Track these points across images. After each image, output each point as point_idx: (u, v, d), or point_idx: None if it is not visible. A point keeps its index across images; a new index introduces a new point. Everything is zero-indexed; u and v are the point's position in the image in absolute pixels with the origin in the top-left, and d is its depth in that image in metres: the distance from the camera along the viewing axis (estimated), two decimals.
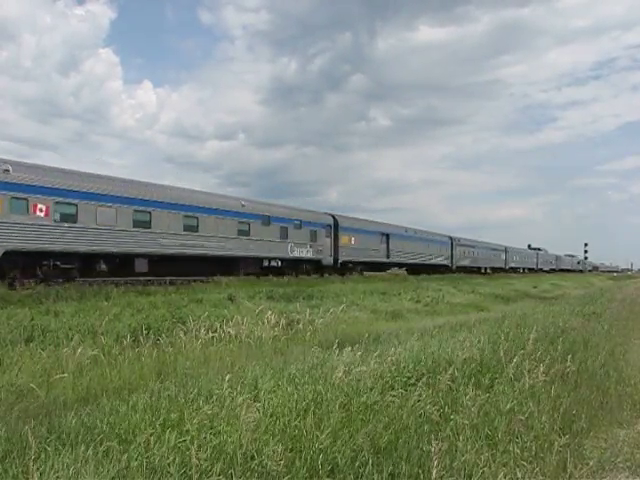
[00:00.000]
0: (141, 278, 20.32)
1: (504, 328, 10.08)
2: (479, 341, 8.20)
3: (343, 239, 33.46)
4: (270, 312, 12.31)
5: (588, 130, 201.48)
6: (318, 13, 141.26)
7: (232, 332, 10.60)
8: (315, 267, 31.92)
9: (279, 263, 29.52)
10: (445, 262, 48.52)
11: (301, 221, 30.46)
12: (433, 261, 46.04)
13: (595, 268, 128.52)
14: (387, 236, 38.68)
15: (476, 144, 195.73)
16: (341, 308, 14.46)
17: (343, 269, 33.50)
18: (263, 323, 11.59)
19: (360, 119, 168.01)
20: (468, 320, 14.03)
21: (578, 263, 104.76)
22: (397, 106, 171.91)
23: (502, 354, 7.13)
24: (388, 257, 38.60)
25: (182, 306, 13.86)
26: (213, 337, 10.09)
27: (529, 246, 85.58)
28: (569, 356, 7.17)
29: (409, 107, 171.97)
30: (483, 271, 57.28)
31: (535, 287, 41.58)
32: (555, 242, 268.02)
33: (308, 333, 11.74)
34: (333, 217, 33.65)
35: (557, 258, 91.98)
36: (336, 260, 32.77)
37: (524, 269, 73.06)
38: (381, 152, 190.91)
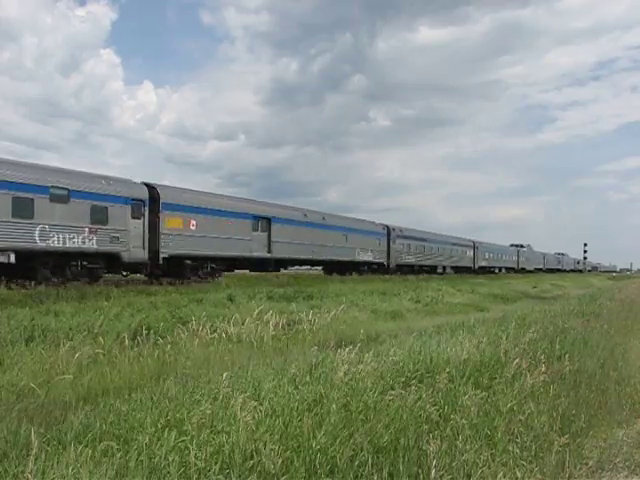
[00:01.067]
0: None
1: (503, 328, 10.09)
2: (478, 341, 8.21)
3: (170, 221, 21.28)
4: (270, 312, 12.32)
5: (588, 130, 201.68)
6: (319, 14, 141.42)
7: (232, 332, 10.62)
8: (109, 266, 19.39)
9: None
10: (378, 259, 37.71)
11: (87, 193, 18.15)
12: (358, 258, 35.13)
13: (594, 268, 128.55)
14: (268, 221, 26.75)
15: (476, 144, 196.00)
16: (341, 308, 14.47)
17: (175, 271, 21.52)
18: (263, 323, 11.60)
19: (360, 119, 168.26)
20: (467, 320, 14.03)
21: (578, 263, 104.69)
22: (397, 106, 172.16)
23: (501, 354, 7.15)
24: (270, 252, 26.64)
25: (182, 306, 13.88)
26: (213, 337, 10.10)
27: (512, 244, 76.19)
28: (568, 356, 7.19)
29: (409, 107, 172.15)
30: (441, 271, 47.66)
31: (535, 287, 41.61)
32: (555, 242, 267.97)
33: (308, 333, 11.75)
34: (148, 187, 21.02)
35: (544, 257, 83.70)
36: (155, 253, 20.46)
37: (501, 269, 64.51)
38: (381, 152, 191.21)
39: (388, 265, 38.63)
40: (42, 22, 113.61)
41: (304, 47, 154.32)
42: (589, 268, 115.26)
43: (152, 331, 10.16)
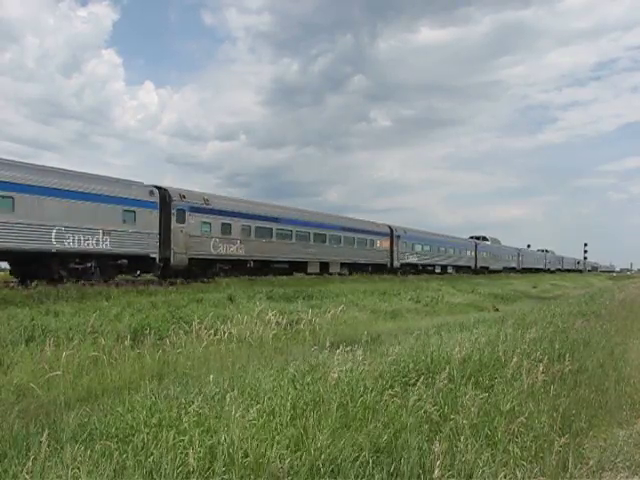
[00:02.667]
0: None
1: (503, 328, 10.09)
2: (478, 341, 8.20)
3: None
4: (270, 312, 12.31)
5: (588, 131, 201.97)
6: (320, 15, 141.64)
7: (232, 332, 10.61)
8: None
9: None
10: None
11: None
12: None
13: (594, 268, 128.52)
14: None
15: (476, 144, 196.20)
16: (340, 308, 14.46)
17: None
18: (263, 323, 11.59)
19: (361, 120, 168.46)
20: (467, 320, 14.03)
21: (578, 263, 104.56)
22: (398, 107, 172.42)
23: (501, 354, 7.14)
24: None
25: (182, 306, 13.87)
26: (213, 337, 10.09)
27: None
28: (568, 356, 7.18)
29: (410, 108, 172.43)
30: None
31: (535, 287, 41.62)
32: (555, 242, 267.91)
33: (308, 333, 11.75)
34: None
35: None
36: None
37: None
38: (381, 153, 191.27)
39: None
40: (44, 23, 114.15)
41: (305, 47, 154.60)
42: (589, 268, 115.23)
43: (152, 331, 10.16)
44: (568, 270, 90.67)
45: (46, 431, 4.00)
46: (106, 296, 14.75)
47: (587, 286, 52.63)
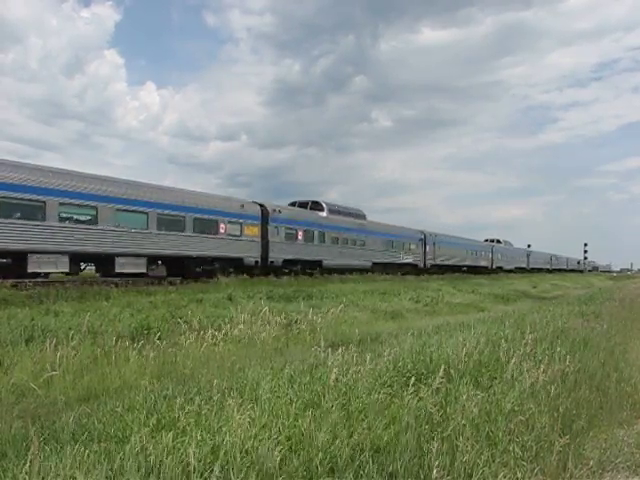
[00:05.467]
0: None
1: (503, 328, 10.08)
2: (478, 341, 8.19)
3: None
4: (270, 312, 12.31)
5: (589, 131, 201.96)
6: (322, 16, 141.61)
7: (232, 332, 10.60)
8: None
9: None
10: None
11: None
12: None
13: (595, 268, 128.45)
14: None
15: (477, 145, 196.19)
16: (340, 308, 14.45)
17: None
18: (263, 323, 11.59)
19: (362, 120, 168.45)
20: (467, 320, 14.02)
21: (578, 263, 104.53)
22: (399, 107, 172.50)
23: (501, 354, 7.14)
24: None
25: (182, 306, 13.86)
26: (213, 337, 10.08)
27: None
28: (568, 356, 7.17)
29: (411, 108, 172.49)
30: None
31: (535, 287, 41.60)
32: (555, 242, 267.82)
33: (308, 333, 11.74)
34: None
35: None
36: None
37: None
38: (382, 153, 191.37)
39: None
40: (47, 23, 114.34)
41: (307, 48, 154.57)
42: (589, 268, 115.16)
43: (152, 331, 10.15)
44: (567, 270, 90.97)
45: (33, 429, 3.98)
46: (106, 296, 14.75)
47: (587, 286, 52.61)
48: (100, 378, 7.54)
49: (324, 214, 33.66)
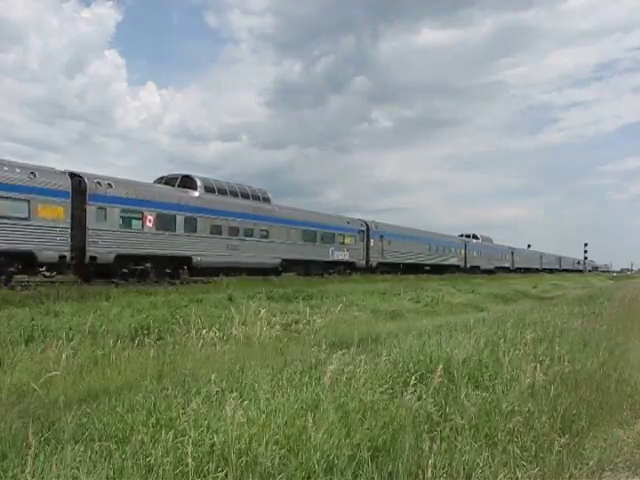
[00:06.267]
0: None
1: (503, 328, 10.07)
2: (477, 341, 8.19)
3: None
4: (270, 312, 12.31)
5: (589, 131, 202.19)
6: (322, 16, 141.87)
7: (232, 332, 10.60)
8: None
9: None
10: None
11: None
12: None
13: (595, 268, 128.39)
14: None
15: (477, 145, 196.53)
16: (339, 308, 14.45)
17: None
18: (263, 323, 11.59)
19: (362, 120, 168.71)
20: (467, 320, 14.01)
21: (578, 263, 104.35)
22: (399, 107, 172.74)
23: (501, 354, 7.13)
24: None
25: (182, 306, 13.86)
26: (213, 337, 10.08)
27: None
28: (568, 356, 7.17)
29: (411, 108, 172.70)
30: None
31: (535, 287, 41.59)
32: (555, 242, 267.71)
33: (308, 333, 11.74)
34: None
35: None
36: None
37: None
38: (383, 153, 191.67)
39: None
40: (48, 24, 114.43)
41: (307, 49, 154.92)
42: (589, 268, 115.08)
43: (152, 331, 10.15)
44: (566, 270, 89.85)
45: (30, 429, 3.99)
46: (106, 296, 14.76)
47: (587, 286, 52.56)
48: (100, 378, 7.55)
49: (196, 193, 25.30)
